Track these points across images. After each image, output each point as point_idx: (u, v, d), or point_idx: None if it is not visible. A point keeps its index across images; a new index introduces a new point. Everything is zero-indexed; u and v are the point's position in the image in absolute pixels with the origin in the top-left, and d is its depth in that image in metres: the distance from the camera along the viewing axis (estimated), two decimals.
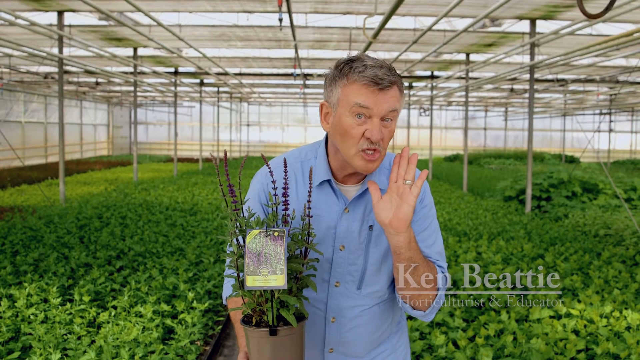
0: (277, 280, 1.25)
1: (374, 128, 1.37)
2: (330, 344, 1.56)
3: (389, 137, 1.42)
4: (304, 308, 1.37)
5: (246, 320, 1.37)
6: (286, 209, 1.37)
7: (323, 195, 1.51)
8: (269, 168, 1.44)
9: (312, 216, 1.41)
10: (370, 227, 1.51)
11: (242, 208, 1.36)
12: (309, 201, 1.38)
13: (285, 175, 1.40)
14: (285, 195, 1.37)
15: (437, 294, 1.48)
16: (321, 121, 1.49)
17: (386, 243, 1.51)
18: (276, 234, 1.29)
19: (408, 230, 1.37)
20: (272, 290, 1.31)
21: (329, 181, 1.52)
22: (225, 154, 1.40)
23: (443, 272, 1.53)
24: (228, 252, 1.53)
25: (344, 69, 1.40)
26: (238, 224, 1.36)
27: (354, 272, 1.52)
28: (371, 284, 1.53)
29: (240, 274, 1.34)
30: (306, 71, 16.83)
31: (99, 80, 18.47)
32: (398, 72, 1.41)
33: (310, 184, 1.41)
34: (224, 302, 1.63)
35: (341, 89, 1.40)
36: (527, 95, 20.59)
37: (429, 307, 1.48)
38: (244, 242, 1.31)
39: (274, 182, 1.39)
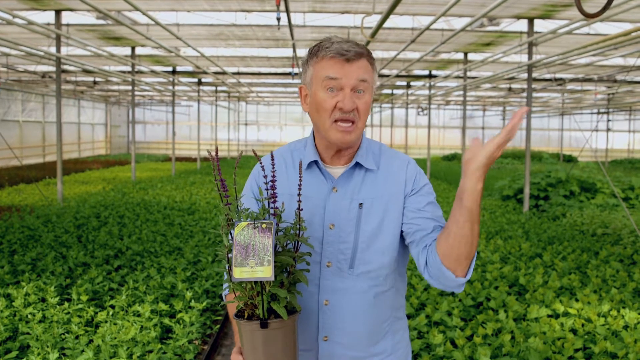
0: (264, 271, 1.26)
1: (346, 97, 1.44)
2: (325, 331, 1.53)
3: (364, 108, 1.47)
4: (296, 302, 1.37)
5: (239, 314, 1.37)
6: (275, 201, 1.39)
7: (312, 177, 1.55)
8: (261, 164, 1.48)
9: (302, 209, 1.42)
10: (360, 204, 1.52)
11: (235, 202, 1.38)
12: (299, 194, 1.41)
13: (273, 169, 1.42)
14: (273, 188, 1.39)
15: (475, 255, 1.44)
16: (302, 103, 1.57)
17: (376, 219, 1.52)
18: (264, 226, 1.30)
19: (473, 179, 1.31)
20: (262, 284, 1.32)
21: (316, 162, 1.56)
22: (217, 149, 1.43)
23: None
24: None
25: (314, 49, 1.49)
26: (229, 217, 1.37)
27: (345, 251, 1.51)
28: (363, 262, 1.52)
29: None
30: None
31: (97, 79, 18.44)
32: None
33: (300, 177, 1.43)
34: (224, 300, 1.64)
35: (313, 67, 1.49)
36: (525, 94, 20.61)
37: (467, 273, 1.42)
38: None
39: (265, 176, 1.42)
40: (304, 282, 1.38)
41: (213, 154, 1.37)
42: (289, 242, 1.39)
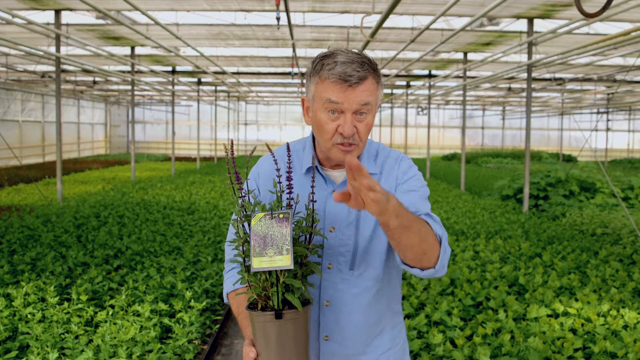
0: (283, 260, 1.28)
1: (346, 123, 1.42)
2: (325, 330, 1.55)
3: (365, 130, 1.46)
4: (309, 293, 1.39)
5: (252, 306, 1.39)
6: (290, 192, 1.41)
7: (311, 181, 1.54)
8: (274, 156, 1.50)
9: (316, 201, 1.44)
10: None
11: (249, 195, 1.40)
12: (312, 186, 1.42)
13: (289, 160, 1.44)
14: (289, 179, 1.40)
15: (440, 245, 1.40)
16: (304, 115, 1.57)
17: (374, 221, 1.53)
18: (281, 215, 1.32)
19: (386, 212, 1.23)
20: (277, 275, 1.33)
21: (316, 167, 1.57)
22: (232, 143, 1.43)
23: (434, 221, 1.45)
24: (231, 239, 1.55)
25: (317, 65, 1.46)
26: (244, 209, 1.38)
27: (345, 253, 1.53)
28: (363, 263, 1.54)
29: (246, 259, 1.36)
30: (304, 70, 16.79)
31: (97, 79, 18.44)
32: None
33: (313, 170, 1.45)
34: (225, 301, 1.64)
35: (314, 86, 1.47)
36: (524, 94, 20.61)
37: (438, 261, 1.40)
38: (249, 227, 1.34)
39: (278, 169, 1.44)
40: (318, 272, 1.39)
41: (229, 148, 1.39)
42: (301, 234, 1.40)
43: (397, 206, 1.25)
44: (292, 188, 1.41)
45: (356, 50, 1.47)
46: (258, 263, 1.29)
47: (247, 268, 1.36)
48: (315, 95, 1.47)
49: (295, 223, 1.41)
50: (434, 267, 1.39)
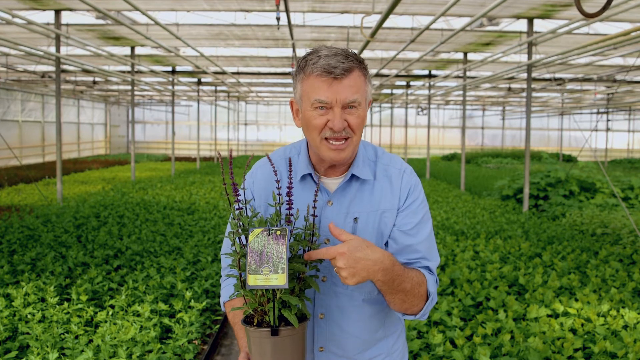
0: (279, 279, 1.24)
1: (335, 117, 1.38)
2: (320, 341, 1.54)
3: (356, 122, 1.41)
4: (306, 308, 1.36)
5: (247, 321, 1.36)
6: (290, 208, 1.36)
7: (306, 189, 1.52)
8: (273, 167, 1.44)
9: (316, 216, 1.40)
10: (355, 219, 1.49)
11: (245, 207, 1.36)
12: (315, 200, 1.38)
13: (290, 175, 1.40)
14: (289, 195, 1.36)
15: (428, 300, 1.46)
16: (293, 118, 1.52)
17: (371, 234, 1.49)
18: (278, 232, 1.28)
19: (376, 276, 1.32)
20: (273, 290, 1.30)
21: (310, 174, 1.52)
22: (231, 152, 1.39)
23: (431, 273, 1.50)
24: (226, 252, 1.52)
25: (301, 63, 1.43)
26: (241, 222, 1.35)
27: None
28: None
29: (242, 274, 1.33)
30: None
31: (97, 79, 18.44)
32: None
33: (317, 188, 1.41)
34: (222, 309, 1.61)
35: (301, 84, 1.43)
36: (524, 94, 20.61)
37: (421, 311, 1.47)
38: (247, 241, 1.30)
39: (277, 181, 1.40)
40: (315, 288, 1.36)
41: (222, 154, 1.35)
42: (300, 247, 1.37)
43: (389, 279, 1.34)
44: (292, 204, 1.37)
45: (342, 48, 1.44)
46: (253, 281, 1.25)
47: (243, 283, 1.33)
48: (303, 93, 1.42)
49: (295, 237, 1.37)
50: (414, 315, 1.48)
